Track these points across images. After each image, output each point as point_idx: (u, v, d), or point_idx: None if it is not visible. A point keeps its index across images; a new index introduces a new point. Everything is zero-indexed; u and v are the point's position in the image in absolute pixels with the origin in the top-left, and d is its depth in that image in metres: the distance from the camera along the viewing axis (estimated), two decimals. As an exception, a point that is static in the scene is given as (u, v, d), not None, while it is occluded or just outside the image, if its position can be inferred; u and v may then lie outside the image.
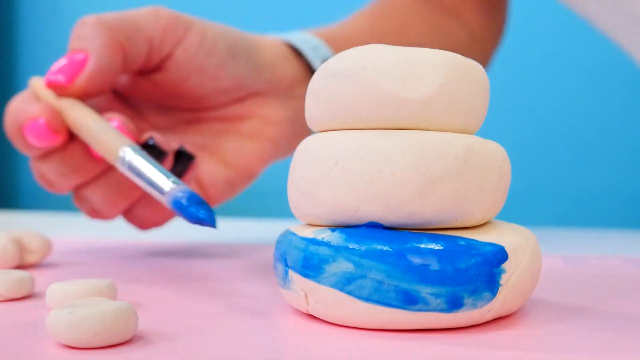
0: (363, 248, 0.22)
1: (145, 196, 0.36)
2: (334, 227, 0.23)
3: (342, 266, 0.22)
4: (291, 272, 0.23)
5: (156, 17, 0.36)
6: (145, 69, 0.37)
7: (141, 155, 0.29)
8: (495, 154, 0.23)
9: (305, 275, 0.23)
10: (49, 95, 0.34)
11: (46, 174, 0.35)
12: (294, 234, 0.24)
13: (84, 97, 0.34)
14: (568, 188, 0.94)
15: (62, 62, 0.34)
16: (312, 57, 0.42)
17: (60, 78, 0.33)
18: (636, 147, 0.92)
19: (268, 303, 0.26)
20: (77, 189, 0.35)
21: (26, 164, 1.26)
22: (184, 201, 0.26)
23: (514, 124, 0.93)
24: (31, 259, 0.34)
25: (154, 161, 0.29)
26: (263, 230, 0.47)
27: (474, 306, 0.22)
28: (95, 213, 0.36)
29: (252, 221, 0.61)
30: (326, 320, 0.23)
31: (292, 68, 0.41)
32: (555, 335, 0.22)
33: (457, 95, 0.23)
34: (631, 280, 0.31)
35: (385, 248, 0.21)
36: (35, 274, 0.31)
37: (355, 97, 0.23)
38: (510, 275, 0.22)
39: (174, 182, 0.27)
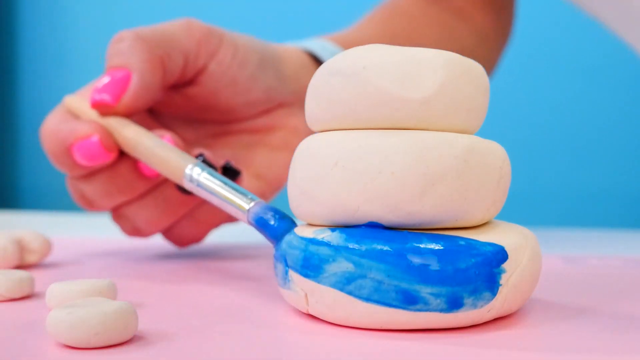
0: (363, 248, 0.22)
1: (187, 214, 0.36)
2: (334, 227, 0.23)
3: (342, 266, 0.22)
4: (291, 272, 0.23)
5: (190, 31, 0.35)
6: (179, 83, 0.36)
7: (209, 173, 0.29)
8: (495, 153, 0.23)
9: (305, 275, 0.23)
10: (90, 114, 0.34)
11: (89, 193, 0.34)
12: (294, 233, 0.24)
13: (128, 115, 0.34)
14: (568, 188, 0.94)
15: (104, 80, 0.33)
16: None
17: (106, 97, 0.33)
18: (636, 147, 0.92)
19: (268, 303, 0.26)
20: (119, 207, 0.35)
21: (26, 164, 1.26)
22: (269, 218, 0.26)
23: (514, 124, 0.93)
24: (31, 259, 0.34)
25: (222, 177, 0.29)
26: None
27: (474, 306, 0.22)
28: (136, 231, 0.35)
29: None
30: (326, 320, 0.23)
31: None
32: (555, 335, 0.22)
33: (457, 95, 0.23)
34: (631, 280, 0.31)
35: (385, 248, 0.21)
36: (35, 274, 0.31)
37: (356, 97, 0.23)
38: (510, 275, 0.22)
39: (251, 199, 0.27)
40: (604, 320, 0.24)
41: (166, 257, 0.38)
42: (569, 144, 0.94)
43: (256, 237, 0.46)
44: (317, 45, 0.42)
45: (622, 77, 0.91)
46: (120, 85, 0.33)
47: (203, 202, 0.35)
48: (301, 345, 0.21)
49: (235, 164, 0.35)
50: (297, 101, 0.39)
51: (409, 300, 0.21)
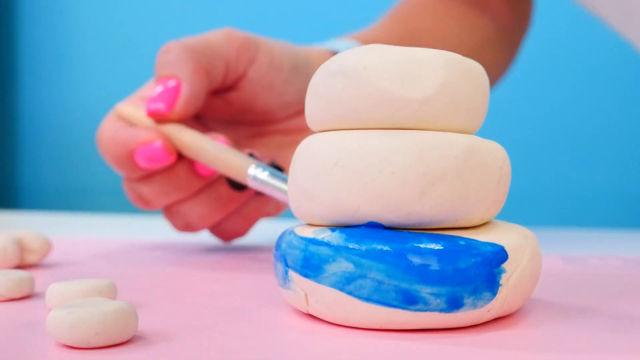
0: (363, 248, 0.22)
1: (235, 211, 0.38)
2: (334, 227, 0.23)
3: (342, 266, 0.22)
4: (291, 272, 0.23)
5: (230, 39, 0.38)
6: (221, 89, 0.39)
7: (270, 171, 0.33)
8: (495, 153, 0.23)
9: (305, 275, 0.23)
10: (145, 121, 0.36)
11: (146, 193, 0.37)
12: (294, 233, 0.24)
13: (180, 121, 0.36)
14: (568, 188, 0.94)
15: (157, 90, 0.36)
16: None
17: (161, 106, 0.36)
18: (636, 147, 0.92)
19: (268, 303, 0.26)
20: (172, 205, 0.37)
21: (26, 164, 1.26)
22: None
23: (514, 124, 0.93)
24: (31, 259, 0.34)
25: (281, 174, 0.32)
26: (263, 230, 0.47)
27: (474, 306, 0.22)
28: (188, 227, 0.38)
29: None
30: (326, 320, 0.23)
31: None
32: (555, 335, 0.22)
33: (457, 95, 0.23)
34: (631, 280, 0.31)
35: (385, 248, 0.21)
36: (35, 274, 0.32)
37: (356, 97, 0.23)
38: (510, 275, 0.22)
39: None
40: (604, 320, 0.24)
41: (167, 257, 0.38)
42: (569, 144, 0.94)
43: (256, 237, 0.46)
44: (343, 45, 0.44)
45: (622, 77, 0.91)
46: (172, 94, 0.36)
47: (250, 199, 0.38)
48: (301, 345, 0.21)
49: (279, 162, 0.38)
50: None
51: (409, 300, 0.21)
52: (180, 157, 0.36)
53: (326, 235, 0.23)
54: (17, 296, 0.27)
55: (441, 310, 0.21)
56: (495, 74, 0.56)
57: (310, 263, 0.22)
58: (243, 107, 0.40)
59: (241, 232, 0.39)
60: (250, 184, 0.33)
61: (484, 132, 0.25)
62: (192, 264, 0.36)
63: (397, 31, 0.50)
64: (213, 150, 0.34)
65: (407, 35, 0.49)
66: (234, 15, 1.04)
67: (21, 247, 0.33)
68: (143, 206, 0.38)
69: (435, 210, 0.22)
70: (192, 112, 0.36)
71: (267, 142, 0.41)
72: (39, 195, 1.14)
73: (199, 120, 0.41)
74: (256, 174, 0.33)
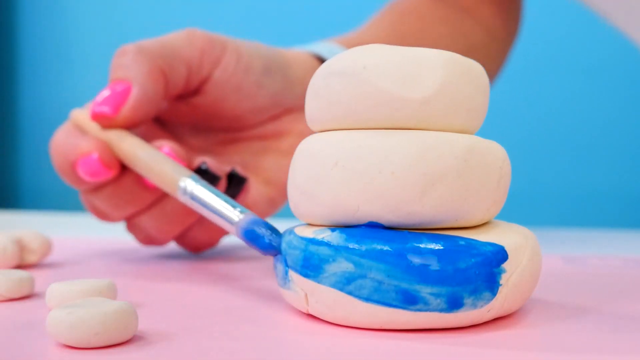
0: (363, 248, 0.22)
1: (198, 220, 0.36)
2: (334, 227, 0.23)
3: (342, 266, 0.22)
4: (291, 272, 0.23)
5: (192, 40, 0.35)
6: (184, 93, 0.37)
7: (203, 185, 0.29)
8: (495, 153, 0.23)
9: (305, 275, 0.23)
10: (94, 127, 0.34)
11: (98, 206, 0.35)
12: (293, 233, 0.24)
13: (129, 126, 0.34)
14: (568, 188, 0.94)
15: (105, 93, 0.34)
16: None
17: (106, 109, 0.33)
18: (636, 147, 0.92)
19: (268, 303, 0.26)
20: (131, 218, 0.35)
21: (26, 164, 1.26)
22: (259, 230, 0.25)
23: (514, 124, 0.93)
24: (31, 259, 0.34)
25: (215, 190, 0.29)
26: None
27: (474, 306, 0.22)
28: (149, 240, 0.36)
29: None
30: (326, 320, 0.23)
31: None
32: (555, 335, 0.22)
33: (457, 95, 0.23)
34: (631, 280, 0.31)
35: (385, 248, 0.21)
36: (35, 274, 0.31)
37: (356, 97, 0.23)
38: (511, 275, 0.22)
39: (241, 212, 0.27)
40: (604, 320, 0.24)
41: (166, 257, 0.38)
42: (569, 144, 0.94)
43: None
44: (325, 48, 0.42)
45: (622, 77, 0.91)
46: (120, 97, 0.33)
47: None
48: (301, 345, 0.21)
49: (241, 171, 0.35)
50: (304, 106, 0.40)
51: (409, 300, 0.21)
52: (127, 167, 0.34)
53: (326, 235, 0.23)
54: (17, 296, 0.27)
55: (441, 310, 0.21)
56: None
57: (310, 263, 0.22)
58: (212, 111, 0.37)
59: (210, 243, 0.37)
60: (181, 198, 0.30)
61: (484, 132, 0.25)
62: (192, 264, 0.36)
63: (384, 35, 0.49)
64: (147, 160, 0.31)
65: (395, 39, 0.48)
66: (233, 15, 1.04)
67: (21, 247, 0.33)
68: (101, 218, 0.36)
69: (435, 210, 0.22)
70: (144, 116, 0.34)
71: (241, 148, 0.39)
72: (39, 195, 1.14)
73: (167, 126, 0.38)
74: (187, 187, 0.29)
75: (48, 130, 1.27)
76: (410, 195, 0.22)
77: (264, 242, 0.25)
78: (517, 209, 0.61)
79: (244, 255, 0.38)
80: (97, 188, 0.34)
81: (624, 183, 0.92)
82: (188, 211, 0.34)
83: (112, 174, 0.33)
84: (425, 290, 0.21)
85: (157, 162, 0.31)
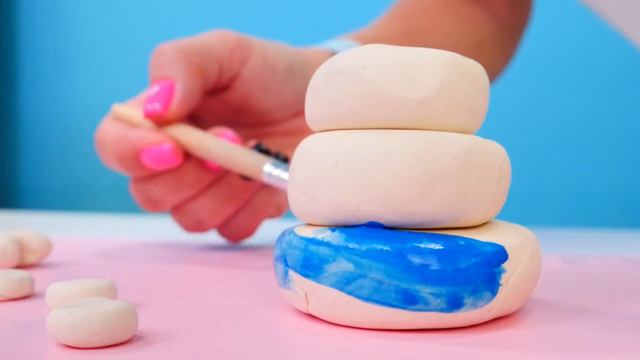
0: (363, 248, 0.22)
1: (242, 207, 0.39)
2: (334, 227, 0.23)
3: (342, 266, 0.22)
4: (291, 272, 0.23)
5: (223, 40, 0.38)
6: (216, 89, 0.39)
7: (282, 168, 0.34)
8: (495, 153, 0.23)
9: (305, 275, 0.23)
10: (142, 121, 0.37)
11: (154, 193, 0.37)
12: (293, 233, 0.24)
13: (176, 121, 0.37)
14: (568, 188, 0.94)
15: (153, 91, 0.36)
16: None
17: (157, 107, 0.36)
18: (636, 147, 0.92)
19: (268, 303, 0.26)
20: (181, 204, 0.38)
21: (26, 164, 1.26)
22: None
23: (514, 124, 0.93)
24: (31, 259, 0.34)
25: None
26: (263, 230, 0.47)
27: (474, 306, 0.22)
28: (198, 226, 0.38)
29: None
30: (326, 320, 0.23)
31: None
32: (555, 335, 0.22)
33: (457, 95, 0.23)
34: (631, 280, 0.31)
35: (385, 248, 0.21)
36: (35, 274, 0.32)
37: (356, 97, 0.23)
38: (511, 275, 0.22)
39: None
40: (604, 320, 0.24)
41: (166, 257, 0.38)
42: (569, 144, 0.94)
43: (256, 237, 0.46)
44: (342, 46, 0.45)
45: (622, 77, 0.91)
46: (166, 94, 0.36)
47: (258, 191, 0.39)
48: (301, 345, 0.21)
49: (284, 151, 0.39)
50: None
51: (409, 300, 0.21)
52: (187, 154, 0.37)
53: (326, 235, 0.23)
54: (17, 296, 0.27)
55: (441, 310, 0.21)
56: (496, 70, 0.56)
57: (310, 263, 0.22)
58: (239, 107, 0.40)
59: (250, 230, 0.40)
60: (266, 180, 0.34)
61: (484, 132, 0.25)
62: (192, 263, 0.36)
63: (398, 29, 0.50)
64: (220, 150, 0.35)
65: (408, 33, 0.49)
66: (233, 15, 1.04)
67: (21, 247, 0.33)
68: (152, 208, 0.38)
69: (435, 210, 0.22)
70: (187, 111, 0.37)
71: (266, 143, 0.41)
72: (39, 195, 1.14)
73: (197, 121, 0.41)
74: (271, 171, 0.34)
75: (48, 130, 1.27)
76: (410, 195, 0.22)
77: None
78: (517, 209, 0.61)
79: (244, 255, 0.38)
80: (157, 175, 0.37)
81: (624, 183, 0.92)
82: (240, 192, 0.38)
83: (179, 161, 0.36)
84: (425, 290, 0.21)
85: (231, 150, 0.35)
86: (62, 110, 1.12)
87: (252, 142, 0.37)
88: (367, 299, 0.22)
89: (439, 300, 0.21)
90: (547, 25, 0.93)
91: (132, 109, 0.38)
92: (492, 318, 0.23)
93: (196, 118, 0.41)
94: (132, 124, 0.37)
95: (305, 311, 0.24)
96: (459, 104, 0.23)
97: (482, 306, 0.22)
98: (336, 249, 0.22)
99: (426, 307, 0.21)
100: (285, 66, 0.40)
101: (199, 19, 1.04)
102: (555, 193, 0.94)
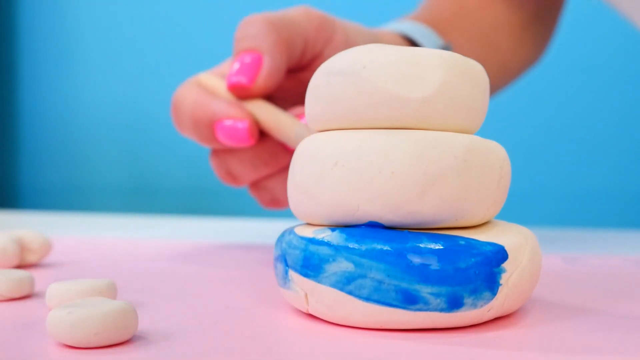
0: (363, 248, 0.22)
1: None
2: (334, 227, 0.23)
3: (342, 266, 0.22)
4: (291, 272, 0.23)
5: (309, 17, 0.36)
6: (297, 67, 0.38)
7: None
8: (495, 153, 0.23)
9: (305, 275, 0.23)
10: (226, 95, 0.35)
11: (234, 167, 0.36)
12: (293, 233, 0.24)
13: (262, 96, 0.35)
14: (568, 188, 0.94)
15: (237, 63, 0.34)
16: (428, 46, 0.43)
17: (243, 79, 0.34)
18: (636, 147, 0.92)
19: (268, 303, 0.26)
20: (261, 180, 0.37)
21: (26, 164, 1.25)
22: None
23: (514, 124, 0.93)
24: (31, 258, 0.34)
25: None
26: (263, 230, 0.47)
27: (474, 306, 0.22)
28: (275, 202, 0.37)
29: (252, 221, 0.61)
30: (326, 320, 0.23)
31: None
32: (555, 335, 0.22)
33: (457, 95, 0.23)
34: (631, 280, 0.31)
35: (385, 248, 0.21)
36: (35, 274, 0.32)
37: (356, 97, 0.23)
38: (511, 274, 0.22)
39: None
40: (604, 320, 0.24)
41: (166, 257, 0.38)
42: (569, 144, 0.94)
43: (256, 237, 0.46)
44: (410, 28, 0.44)
45: (622, 76, 0.91)
46: (254, 67, 0.34)
47: None
48: (301, 345, 0.21)
49: None
50: None
51: (409, 300, 0.21)
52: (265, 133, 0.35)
53: (326, 235, 0.23)
54: (17, 296, 0.27)
55: (441, 310, 0.21)
56: (540, 49, 0.56)
57: (310, 263, 0.22)
58: None
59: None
60: None
61: (484, 132, 0.25)
62: (192, 263, 0.36)
63: (451, 8, 0.50)
64: (299, 133, 0.33)
65: (460, 11, 0.49)
66: (233, 16, 1.04)
67: (21, 247, 0.33)
68: (230, 182, 0.37)
69: (435, 210, 0.22)
70: (273, 86, 0.35)
71: None
72: (39, 195, 1.14)
73: (270, 100, 0.39)
74: None
75: (48, 130, 1.27)
76: (410, 195, 0.22)
77: None
78: (517, 209, 0.61)
79: (244, 255, 0.38)
80: (232, 151, 0.35)
81: (624, 183, 0.92)
82: None
83: (252, 143, 0.34)
84: (425, 290, 0.21)
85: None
86: (62, 110, 1.12)
87: None
88: (367, 298, 0.22)
89: (439, 300, 0.21)
90: (547, 25, 0.92)
91: (216, 79, 0.36)
92: (492, 318, 0.23)
93: (270, 97, 0.39)
94: (218, 95, 0.35)
95: (305, 311, 0.24)
96: (459, 103, 0.23)
97: (482, 306, 0.22)
98: (336, 248, 0.22)
99: (426, 307, 0.21)
100: None
101: (200, 19, 1.05)
102: (555, 193, 0.94)
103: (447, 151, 0.22)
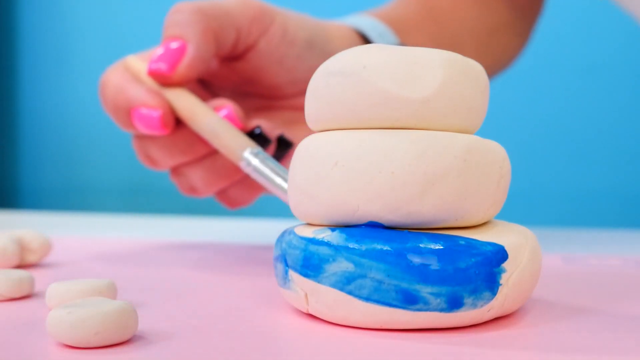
0: (363, 248, 0.22)
1: (241, 179, 0.37)
2: (334, 227, 0.23)
3: (342, 266, 0.22)
4: (291, 272, 0.23)
5: (245, 7, 0.36)
6: (229, 57, 0.38)
7: (261, 160, 0.31)
8: (495, 153, 0.23)
9: (305, 275, 0.23)
10: (149, 80, 0.35)
11: (151, 152, 0.36)
12: (293, 233, 0.24)
13: (183, 84, 0.35)
14: (568, 188, 0.94)
15: (160, 50, 0.35)
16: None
17: (162, 66, 0.34)
18: (636, 147, 0.92)
19: (268, 303, 0.26)
20: (179, 167, 0.37)
21: (26, 164, 1.25)
22: None
23: (514, 124, 0.93)
24: (31, 258, 0.34)
25: (273, 163, 0.31)
26: (263, 230, 0.47)
27: (474, 306, 0.22)
28: (192, 190, 0.37)
29: (252, 221, 0.61)
30: (326, 320, 0.23)
31: None
32: (555, 335, 0.22)
33: (456, 95, 0.23)
34: (631, 280, 0.31)
35: (385, 248, 0.21)
36: (35, 274, 0.32)
37: (356, 97, 0.23)
38: (511, 274, 0.22)
39: None
40: (604, 320, 0.24)
41: (167, 257, 0.38)
42: (569, 144, 0.94)
43: (256, 237, 0.46)
44: (365, 23, 0.43)
45: (622, 77, 0.91)
46: (176, 55, 0.34)
47: None
48: (301, 345, 0.21)
49: (288, 135, 0.37)
50: None
51: (409, 300, 0.21)
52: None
53: (326, 235, 0.23)
54: (17, 296, 0.27)
55: (441, 310, 0.21)
56: (511, 55, 0.55)
57: (310, 263, 0.22)
58: (250, 78, 0.39)
59: (245, 202, 0.39)
60: (243, 168, 0.32)
61: (484, 132, 0.25)
62: (192, 264, 0.36)
63: (418, 10, 0.49)
64: (210, 126, 0.33)
65: (427, 14, 0.49)
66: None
67: (21, 247, 0.33)
68: (150, 165, 0.37)
69: (435, 210, 0.22)
70: (196, 75, 0.35)
71: (275, 116, 0.40)
72: (39, 195, 1.14)
73: (207, 87, 0.40)
74: (251, 161, 0.32)
75: (48, 130, 1.27)
76: (410, 195, 0.22)
77: None
78: (517, 209, 0.61)
79: (244, 255, 0.38)
80: (151, 136, 0.35)
81: (624, 183, 0.92)
82: (236, 168, 0.36)
83: (166, 132, 0.34)
84: (425, 290, 0.21)
85: (220, 128, 0.33)
86: (62, 110, 1.12)
87: (254, 123, 0.35)
88: (367, 298, 0.22)
89: (439, 300, 0.21)
90: (547, 25, 0.93)
91: (142, 63, 0.36)
92: (492, 318, 0.23)
93: (207, 84, 0.40)
94: (140, 79, 0.36)
95: (305, 311, 0.24)
96: (458, 103, 0.23)
97: (482, 306, 0.22)
98: (336, 248, 0.22)
99: (426, 307, 0.21)
100: (305, 41, 0.38)
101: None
102: (555, 193, 0.94)
103: (447, 151, 0.22)
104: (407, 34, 0.46)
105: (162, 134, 0.34)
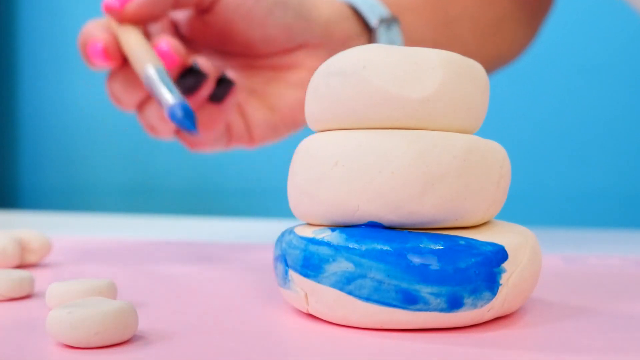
0: (363, 248, 0.22)
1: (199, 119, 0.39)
2: (334, 227, 0.23)
3: (342, 266, 0.22)
4: (291, 272, 0.23)
5: None
6: (198, 9, 0.38)
7: (159, 74, 0.34)
8: (495, 153, 0.23)
9: (305, 275, 0.23)
10: (113, 22, 0.37)
11: (114, 90, 0.38)
12: (293, 233, 0.24)
13: (137, 22, 0.37)
14: (568, 188, 0.94)
15: None
16: (370, 16, 0.43)
17: (114, 2, 0.36)
18: (636, 147, 0.92)
19: (268, 303, 0.26)
20: (140, 107, 0.39)
21: (26, 164, 1.25)
22: (177, 112, 0.33)
23: (514, 124, 0.93)
24: (31, 258, 0.34)
25: (169, 81, 0.34)
26: (263, 230, 0.47)
27: (474, 306, 0.22)
28: (152, 129, 0.39)
29: (252, 221, 0.61)
30: (326, 320, 0.23)
31: (348, 25, 0.42)
32: (555, 335, 0.22)
33: (456, 95, 0.23)
34: (631, 280, 0.31)
35: (385, 248, 0.21)
36: (35, 273, 0.32)
37: (356, 97, 0.23)
38: (510, 274, 0.22)
39: (176, 99, 0.33)
40: (604, 320, 0.24)
41: (166, 257, 0.38)
42: (569, 144, 0.94)
43: (256, 237, 0.46)
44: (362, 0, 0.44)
45: (622, 77, 0.91)
46: None
47: (204, 106, 0.39)
48: (301, 345, 0.21)
49: (231, 75, 0.39)
50: (323, 44, 0.41)
51: (409, 300, 0.21)
52: None
53: (326, 235, 0.23)
54: (17, 296, 0.27)
55: (441, 310, 0.21)
56: (517, 48, 0.55)
57: (310, 263, 0.22)
58: (222, 33, 0.39)
59: (205, 144, 0.40)
60: (144, 82, 0.34)
61: (484, 132, 0.25)
62: (192, 263, 0.36)
63: None
64: (132, 48, 0.35)
65: (430, 0, 0.49)
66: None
67: (21, 247, 0.33)
68: (117, 104, 0.39)
69: (435, 210, 0.22)
70: (148, 15, 0.37)
71: (253, 75, 0.41)
72: (39, 195, 1.14)
73: (189, 44, 0.41)
74: (148, 74, 0.34)
75: (48, 130, 1.27)
76: (410, 195, 0.22)
77: (179, 120, 0.33)
78: (517, 209, 0.61)
79: (244, 255, 0.38)
80: (112, 74, 0.38)
81: (624, 183, 0.92)
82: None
83: (113, 64, 0.37)
84: (425, 290, 0.21)
85: (137, 49, 0.35)
86: (62, 111, 1.12)
87: (192, 59, 0.37)
88: (367, 298, 0.22)
89: (439, 300, 0.21)
90: (547, 24, 0.93)
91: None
92: (492, 318, 0.23)
93: (188, 42, 0.41)
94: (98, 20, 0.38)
95: (305, 311, 0.24)
96: (458, 103, 0.23)
97: (482, 306, 0.22)
98: (336, 248, 0.22)
99: (426, 307, 0.21)
100: None
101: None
102: (555, 193, 0.94)
103: (446, 151, 0.22)
104: (400, 13, 0.46)
105: (108, 64, 0.36)
